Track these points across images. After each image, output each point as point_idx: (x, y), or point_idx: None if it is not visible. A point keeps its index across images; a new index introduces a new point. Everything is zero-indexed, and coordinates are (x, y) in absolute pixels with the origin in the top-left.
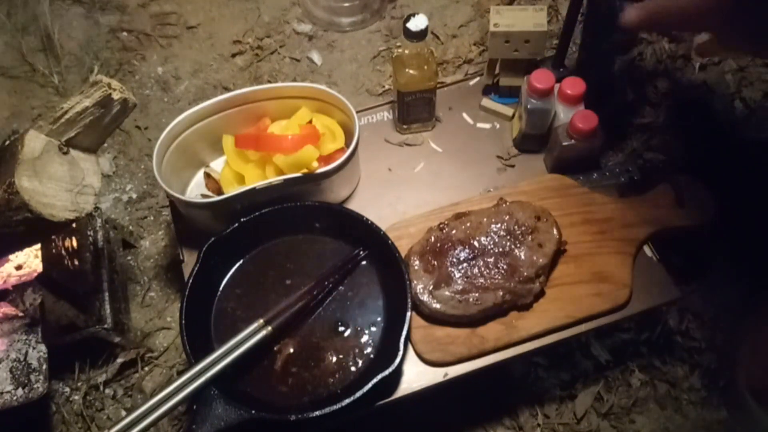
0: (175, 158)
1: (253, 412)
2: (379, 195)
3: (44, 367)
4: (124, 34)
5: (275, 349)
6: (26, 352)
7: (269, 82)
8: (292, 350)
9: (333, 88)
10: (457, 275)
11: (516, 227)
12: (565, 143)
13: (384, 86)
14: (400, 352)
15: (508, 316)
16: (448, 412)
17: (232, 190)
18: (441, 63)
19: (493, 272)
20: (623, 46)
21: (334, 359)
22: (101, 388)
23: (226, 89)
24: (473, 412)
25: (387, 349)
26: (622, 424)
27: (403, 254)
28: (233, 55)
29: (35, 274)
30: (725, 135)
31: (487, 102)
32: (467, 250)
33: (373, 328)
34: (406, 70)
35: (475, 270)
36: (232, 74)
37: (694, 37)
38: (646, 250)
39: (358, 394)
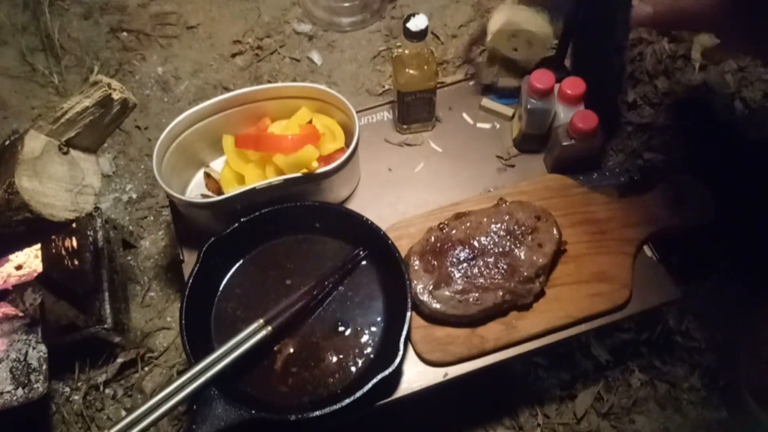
0: (175, 158)
1: (253, 412)
2: (379, 195)
3: (44, 367)
4: (124, 34)
5: (275, 349)
6: (26, 352)
7: (269, 82)
8: (292, 350)
9: (333, 88)
10: (457, 275)
11: (516, 227)
12: (565, 143)
13: (384, 86)
14: (400, 352)
15: (508, 316)
16: (448, 412)
17: (232, 190)
18: (441, 63)
19: (493, 272)
20: (623, 46)
21: (334, 359)
22: (101, 388)
23: (226, 89)
24: (473, 412)
25: (387, 349)
26: (622, 424)
27: (403, 254)
28: (233, 55)
29: (35, 274)
30: (725, 135)
31: (487, 102)
32: (467, 250)
33: (373, 328)
34: (406, 70)
35: (475, 270)
36: (232, 74)
37: (694, 37)
38: (646, 250)
39: (358, 394)
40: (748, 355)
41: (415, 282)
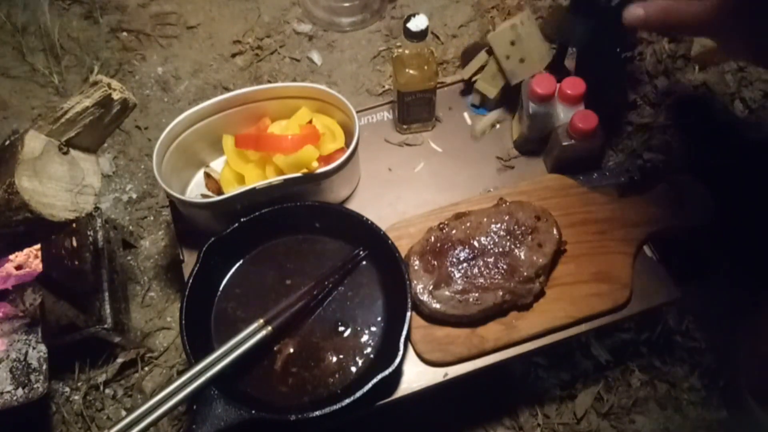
0: (175, 158)
1: (253, 412)
2: (379, 195)
3: (44, 367)
4: (124, 34)
5: (275, 349)
6: (26, 352)
7: (269, 82)
8: (292, 350)
9: (333, 88)
10: (457, 275)
11: (516, 227)
12: (565, 143)
13: (384, 86)
14: (400, 352)
15: (508, 316)
16: (448, 412)
17: (232, 190)
18: (441, 63)
19: (493, 272)
20: (623, 46)
21: (334, 359)
22: (101, 388)
23: (226, 89)
24: (473, 412)
25: (387, 349)
26: (622, 424)
27: (403, 254)
28: (233, 55)
29: (35, 274)
30: (725, 135)
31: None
32: (467, 250)
33: (373, 328)
34: (406, 70)
35: (475, 270)
36: (232, 74)
37: (694, 37)
38: (646, 250)
39: (358, 394)
40: (748, 355)
41: (415, 282)
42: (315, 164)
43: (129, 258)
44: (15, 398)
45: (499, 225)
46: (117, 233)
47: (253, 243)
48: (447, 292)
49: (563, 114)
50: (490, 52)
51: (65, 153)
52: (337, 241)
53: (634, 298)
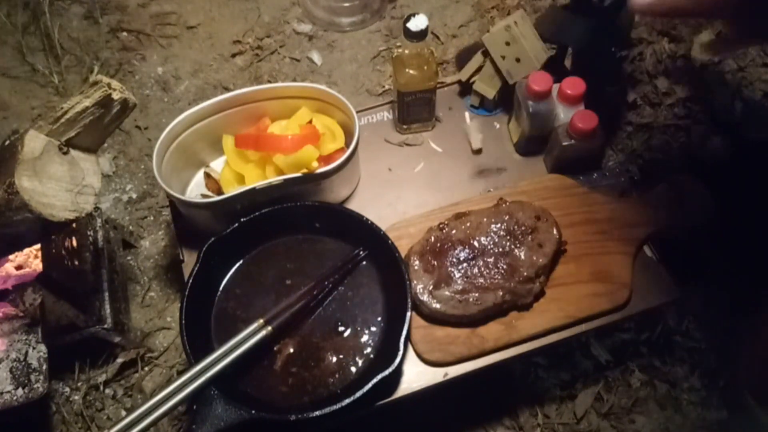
0: (175, 158)
1: (253, 412)
2: (379, 195)
3: (44, 367)
4: (124, 34)
5: (275, 349)
6: (26, 352)
7: (269, 82)
8: (292, 350)
9: (333, 88)
10: (457, 275)
11: (516, 227)
12: (565, 143)
13: (384, 86)
14: (400, 352)
15: (508, 316)
16: (448, 412)
17: (232, 190)
18: (441, 63)
19: (493, 272)
20: (618, 46)
21: (334, 359)
22: (101, 388)
23: (226, 89)
24: (473, 412)
25: (387, 349)
26: (622, 424)
27: (403, 254)
28: (233, 55)
29: (35, 274)
30: (725, 135)
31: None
32: (467, 250)
33: (373, 328)
34: (406, 70)
35: (475, 270)
36: (232, 74)
37: (694, 36)
38: (646, 250)
39: (358, 394)
40: (748, 355)
41: (415, 282)
42: (315, 164)
43: (129, 258)
44: (15, 398)
45: (499, 225)
46: (117, 233)
47: (253, 243)
48: (447, 292)
49: (563, 114)
50: (486, 53)
51: (65, 153)
52: (337, 241)
53: (634, 298)
